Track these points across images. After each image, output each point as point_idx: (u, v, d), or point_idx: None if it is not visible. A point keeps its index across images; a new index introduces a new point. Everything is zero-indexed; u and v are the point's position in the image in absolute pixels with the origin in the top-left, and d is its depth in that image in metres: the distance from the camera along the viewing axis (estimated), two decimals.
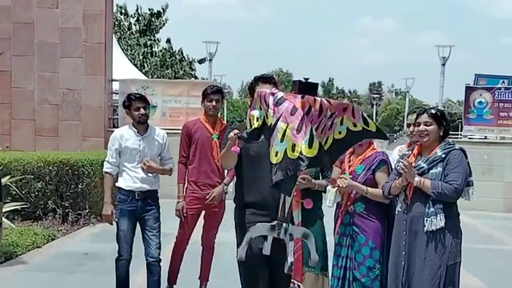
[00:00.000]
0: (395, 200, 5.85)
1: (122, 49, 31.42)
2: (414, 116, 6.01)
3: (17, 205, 10.75)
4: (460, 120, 20.45)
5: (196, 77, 43.01)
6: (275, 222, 4.84)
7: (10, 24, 16.30)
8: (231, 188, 6.33)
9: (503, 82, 18.77)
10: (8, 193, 11.22)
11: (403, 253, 5.58)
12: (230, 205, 5.83)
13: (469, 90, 18.11)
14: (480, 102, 17.75)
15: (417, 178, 5.47)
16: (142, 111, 6.94)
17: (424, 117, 5.61)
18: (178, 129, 7.82)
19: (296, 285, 6.24)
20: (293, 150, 4.36)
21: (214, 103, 7.32)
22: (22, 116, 16.41)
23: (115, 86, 17.33)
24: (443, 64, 39.00)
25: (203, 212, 7.54)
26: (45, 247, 10.54)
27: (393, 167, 6.07)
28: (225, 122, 7.81)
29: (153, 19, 40.59)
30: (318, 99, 4.56)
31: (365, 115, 4.94)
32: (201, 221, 7.60)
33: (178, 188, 7.40)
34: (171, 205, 7.32)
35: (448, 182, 5.41)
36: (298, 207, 6.17)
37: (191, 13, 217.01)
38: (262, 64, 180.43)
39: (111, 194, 7.06)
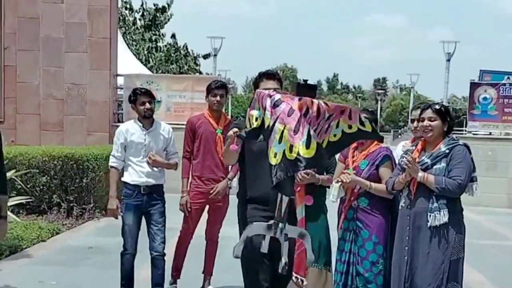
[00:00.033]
0: (398, 196, 5.85)
1: (127, 44, 31.43)
2: (418, 111, 6.02)
3: (22, 199, 10.78)
4: (465, 116, 20.43)
5: (200, 72, 43.07)
6: (271, 222, 4.84)
7: (16, 19, 16.34)
8: (235, 183, 6.35)
9: (508, 78, 18.75)
10: (13, 187, 11.26)
11: (406, 248, 5.59)
12: (234, 200, 5.85)
13: (473, 86, 18.10)
14: (484, 98, 17.73)
15: (420, 174, 5.47)
16: (147, 105, 6.96)
17: (428, 113, 5.61)
18: (182, 124, 7.84)
19: (299, 280, 6.28)
20: (291, 151, 4.36)
21: (218, 98, 7.33)
22: (27, 110, 16.45)
23: (120, 81, 17.35)
24: (448, 60, 39.02)
25: (207, 206, 7.57)
26: (50, 241, 10.58)
27: (396, 162, 6.07)
28: (229, 117, 7.81)
29: (158, 14, 40.60)
30: (316, 101, 4.56)
31: (362, 116, 4.92)
32: (205, 216, 7.62)
33: (182, 183, 7.42)
34: (175, 200, 7.34)
35: (452, 178, 5.40)
36: (302, 203, 6.20)
37: (196, 8, 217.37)
38: (267, 60, 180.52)
39: (116, 189, 7.08)
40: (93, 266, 9.02)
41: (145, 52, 39.21)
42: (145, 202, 6.93)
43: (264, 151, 4.64)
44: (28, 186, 11.99)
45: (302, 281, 6.29)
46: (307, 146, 4.33)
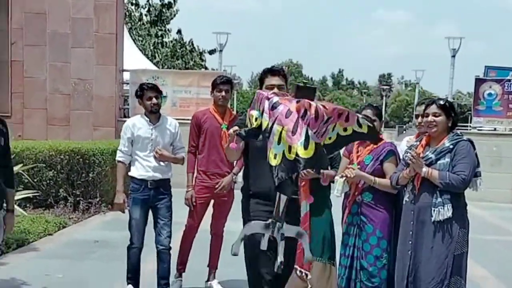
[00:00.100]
0: (402, 190, 5.86)
1: (133, 40, 31.45)
2: (423, 107, 6.04)
3: (29, 193, 10.84)
4: (470, 112, 20.43)
5: (206, 68, 43.02)
6: (269, 221, 4.87)
7: (22, 14, 16.42)
8: (240, 177, 6.39)
9: None
10: (20, 181, 11.32)
11: (410, 242, 5.61)
12: (239, 195, 5.88)
13: (478, 82, 18.11)
14: (489, 94, 17.75)
15: (424, 169, 5.49)
16: (154, 100, 7.00)
17: (433, 108, 5.62)
18: (188, 119, 7.88)
19: (304, 274, 6.33)
20: (290, 151, 4.38)
21: (223, 93, 7.37)
22: (34, 105, 16.54)
23: (126, 76, 17.42)
24: (453, 56, 38.92)
25: (212, 201, 7.61)
26: (56, 234, 10.65)
27: (401, 157, 6.10)
28: (234, 112, 7.85)
29: (164, 10, 40.51)
30: (314, 104, 4.56)
31: (360, 117, 4.93)
32: (210, 210, 7.66)
33: (188, 178, 7.46)
34: (180, 194, 7.37)
35: (456, 173, 5.42)
36: (306, 198, 6.25)
37: (201, 4, 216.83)
38: (272, 55, 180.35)
39: (123, 183, 7.13)
40: (99, 260, 9.09)
41: (151, 47, 39.20)
42: (152, 197, 6.97)
43: (267, 147, 4.67)
44: (35, 180, 12.06)
45: (307, 275, 6.34)
46: (305, 147, 4.34)
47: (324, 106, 4.58)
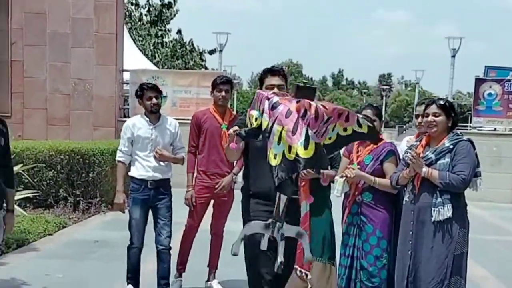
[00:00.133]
0: (402, 190, 5.86)
1: (133, 40, 31.47)
2: (423, 107, 6.04)
3: (29, 193, 10.85)
4: (470, 112, 20.47)
5: (206, 68, 43.05)
6: (269, 221, 4.88)
7: (22, 14, 16.44)
8: (240, 177, 6.39)
9: None
10: (20, 181, 11.33)
11: (410, 242, 5.62)
12: (239, 195, 5.89)
13: (478, 82, 18.14)
14: (489, 94, 17.76)
15: (424, 169, 5.49)
16: (154, 100, 7.00)
17: (433, 108, 5.63)
18: (188, 119, 7.89)
19: (303, 274, 6.33)
20: (290, 151, 4.38)
21: (223, 93, 7.37)
22: (34, 105, 16.56)
23: (126, 76, 17.45)
24: (453, 56, 38.97)
25: (212, 201, 7.61)
26: (56, 234, 10.66)
27: (401, 157, 6.10)
28: (234, 112, 7.85)
29: (164, 10, 40.51)
30: (314, 104, 4.56)
31: (361, 117, 4.93)
32: (210, 210, 7.67)
33: (187, 178, 7.47)
34: (180, 194, 7.38)
35: (456, 173, 5.42)
36: (306, 198, 6.25)
37: (201, 4, 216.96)
38: (272, 55, 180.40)
39: (123, 183, 7.14)
40: (99, 260, 9.10)
41: (151, 47, 39.22)
42: (152, 197, 6.98)
43: (267, 147, 4.67)
44: (35, 180, 12.07)
45: (307, 275, 6.35)
46: (305, 147, 4.34)
47: (324, 106, 4.58)
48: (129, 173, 7.08)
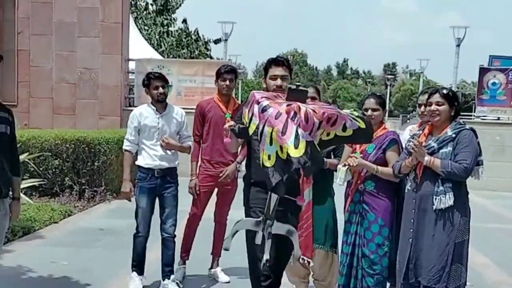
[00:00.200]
0: (405, 179, 5.87)
1: (139, 29, 31.47)
2: (426, 96, 6.04)
3: (35, 182, 10.89)
4: (474, 101, 20.45)
5: (211, 57, 43.00)
6: (260, 218, 4.91)
7: (29, 4, 16.49)
8: (244, 166, 6.42)
9: None
10: (26, 170, 11.41)
11: (412, 230, 5.65)
12: (242, 183, 5.94)
13: (483, 71, 18.14)
14: (493, 83, 17.77)
15: (427, 158, 5.51)
16: (160, 90, 7.04)
17: (436, 97, 5.64)
18: (193, 109, 7.91)
19: (306, 261, 6.39)
20: (281, 151, 4.41)
21: (227, 82, 7.38)
22: (40, 94, 16.64)
23: (132, 65, 17.49)
24: (458, 45, 38.92)
25: (216, 189, 7.67)
26: (62, 222, 10.75)
27: (403, 146, 6.13)
28: (238, 101, 7.88)
29: None
30: (303, 108, 4.54)
31: (355, 115, 4.90)
32: (214, 198, 7.72)
33: (191, 166, 7.49)
34: (184, 183, 7.41)
35: (458, 162, 5.43)
36: (309, 186, 6.30)
37: None
38: (277, 44, 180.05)
39: (130, 172, 7.18)
40: (104, 247, 9.18)
41: (157, 37, 39.20)
42: (159, 185, 7.03)
43: None
44: (41, 168, 12.14)
45: (309, 263, 6.42)
46: (296, 146, 4.34)
47: (314, 110, 4.56)
48: (136, 162, 7.12)
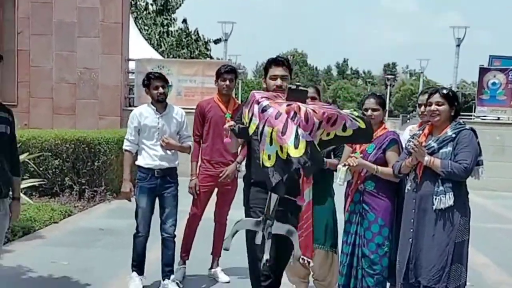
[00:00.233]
0: (405, 179, 5.88)
1: (139, 29, 31.48)
2: (426, 96, 6.05)
3: (35, 182, 10.89)
4: (474, 101, 20.48)
5: (211, 57, 43.02)
6: (260, 218, 4.91)
7: (29, 4, 16.51)
8: (244, 166, 6.42)
9: None
10: (26, 170, 11.41)
11: (411, 230, 5.65)
12: (242, 183, 5.95)
13: (483, 71, 18.16)
14: (493, 83, 17.79)
15: (427, 158, 5.51)
16: (160, 90, 7.04)
17: (436, 97, 5.64)
18: (193, 109, 7.92)
19: (306, 261, 6.40)
20: (282, 151, 4.41)
21: (227, 82, 7.38)
22: (40, 94, 16.66)
23: (132, 65, 17.50)
24: (458, 45, 38.95)
25: (216, 189, 7.67)
26: (62, 222, 10.76)
27: (403, 146, 6.13)
28: (238, 101, 7.88)
29: None
30: (303, 108, 4.54)
31: (355, 115, 4.90)
32: (214, 198, 7.72)
33: (191, 166, 7.49)
34: (184, 183, 7.41)
35: (458, 162, 5.43)
36: (309, 186, 6.31)
37: None
38: (277, 45, 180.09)
39: (130, 172, 7.18)
40: (104, 247, 9.19)
41: (157, 37, 39.22)
42: (159, 185, 7.03)
43: None
44: (41, 168, 12.15)
45: (309, 263, 6.42)
46: (296, 146, 4.34)
47: (314, 111, 4.55)
48: (136, 162, 7.13)
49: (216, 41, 42.70)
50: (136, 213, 7.09)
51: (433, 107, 5.63)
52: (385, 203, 6.11)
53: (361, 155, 6.15)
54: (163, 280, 7.12)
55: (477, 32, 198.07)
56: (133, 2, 36.33)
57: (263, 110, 4.55)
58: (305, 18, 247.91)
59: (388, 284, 6.36)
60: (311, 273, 6.75)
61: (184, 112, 7.37)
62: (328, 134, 4.70)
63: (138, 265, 7.18)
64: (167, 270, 7.13)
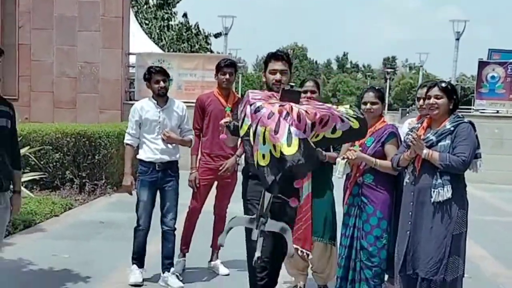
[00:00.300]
0: (403, 172, 5.90)
1: (140, 23, 31.48)
2: (424, 90, 6.08)
3: (35, 175, 10.91)
4: (473, 95, 20.50)
5: (211, 51, 43.02)
6: (254, 216, 4.93)
7: None
8: (243, 159, 6.45)
9: None
10: (27, 163, 11.42)
11: (409, 223, 5.67)
12: (242, 177, 5.97)
13: (482, 64, 18.18)
14: (492, 77, 17.82)
15: (425, 151, 5.53)
16: (161, 84, 7.07)
17: (435, 90, 5.65)
18: (193, 102, 7.93)
19: (305, 254, 6.44)
20: (275, 150, 4.43)
21: (227, 76, 7.41)
22: (41, 88, 16.68)
23: (132, 59, 17.51)
24: (457, 39, 38.94)
25: (216, 182, 7.70)
26: (62, 215, 10.80)
27: (402, 139, 6.16)
28: (238, 95, 7.90)
29: None
30: (296, 108, 4.55)
31: (350, 113, 4.85)
32: (213, 192, 7.76)
33: (191, 160, 7.53)
34: (184, 176, 7.42)
35: (456, 155, 5.45)
36: (308, 180, 6.35)
37: None
38: (278, 38, 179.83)
39: (131, 165, 7.21)
40: (104, 240, 9.24)
41: (157, 30, 39.22)
42: (160, 179, 7.06)
43: None
44: (42, 162, 12.17)
45: (308, 255, 6.47)
46: (289, 144, 4.37)
47: (306, 111, 4.56)
48: (137, 156, 7.16)
49: (217, 35, 42.72)
50: (137, 207, 7.12)
51: (432, 100, 5.64)
52: (383, 196, 6.14)
53: (360, 148, 6.17)
54: (163, 272, 7.16)
55: (476, 26, 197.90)
56: None
57: (256, 110, 4.56)
58: (306, 12, 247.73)
59: (386, 276, 6.41)
60: (310, 266, 6.79)
61: (185, 105, 7.38)
62: (316, 136, 4.69)
63: (138, 258, 7.21)
64: (167, 263, 7.16)
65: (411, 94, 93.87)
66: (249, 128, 4.62)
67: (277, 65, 5.56)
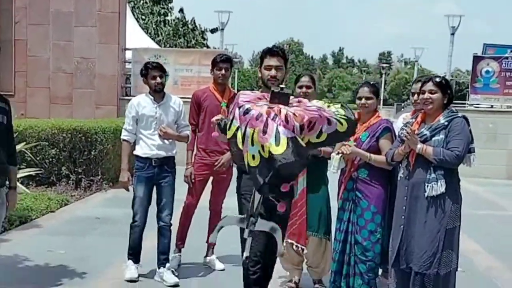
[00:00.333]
0: (397, 167, 5.92)
1: (136, 18, 31.46)
2: (419, 85, 6.09)
3: (31, 171, 10.91)
4: (468, 89, 20.54)
5: (208, 47, 43.04)
6: (244, 215, 4.95)
7: None
8: None
9: (511, 51, 18.85)
10: (23, 159, 11.40)
11: (403, 217, 5.69)
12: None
13: (476, 59, 18.21)
14: (487, 71, 17.85)
15: (419, 145, 5.54)
16: (158, 79, 7.08)
17: (429, 85, 5.66)
18: (189, 98, 7.95)
19: (300, 249, 6.47)
20: (263, 150, 4.45)
21: (223, 71, 7.43)
22: (37, 84, 16.71)
23: (128, 54, 17.53)
24: (453, 34, 38.93)
25: (211, 178, 7.72)
26: (58, 211, 10.81)
27: (397, 134, 6.18)
28: (234, 90, 7.91)
29: None
30: (284, 111, 4.54)
31: (341, 114, 4.80)
32: (209, 187, 7.78)
33: (187, 155, 7.56)
34: (180, 172, 7.44)
35: (450, 149, 5.47)
36: (303, 174, 6.37)
37: None
38: (274, 34, 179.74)
39: (128, 161, 7.21)
40: (100, 236, 9.26)
41: (154, 26, 39.24)
42: (156, 174, 7.07)
43: None
44: (38, 158, 12.15)
45: (303, 250, 6.50)
46: (277, 143, 4.39)
47: (294, 114, 4.56)
48: (134, 152, 7.16)
49: (213, 31, 42.74)
50: (133, 203, 7.12)
51: (426, 95, 5.65)
52: (378, 191, 6.17)
53: (355, 143, 6.19)
54: (159, 268, 7.18)
55: (472, 21, 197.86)
56: None
57: (245, 112, 4.58)
58: (302, 7, 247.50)
59: (380, 270, 6.45)
60: (305, 260, 6.81)
61: (181, 101, 7.39)
62: (302, 139, 4.70)
63: (134, 254, 7.21)
64: (162, 258, 7.18)
65: (406, 89, 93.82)
66: (237, 130, 4.64)
67: (273, 61, 5.55)
